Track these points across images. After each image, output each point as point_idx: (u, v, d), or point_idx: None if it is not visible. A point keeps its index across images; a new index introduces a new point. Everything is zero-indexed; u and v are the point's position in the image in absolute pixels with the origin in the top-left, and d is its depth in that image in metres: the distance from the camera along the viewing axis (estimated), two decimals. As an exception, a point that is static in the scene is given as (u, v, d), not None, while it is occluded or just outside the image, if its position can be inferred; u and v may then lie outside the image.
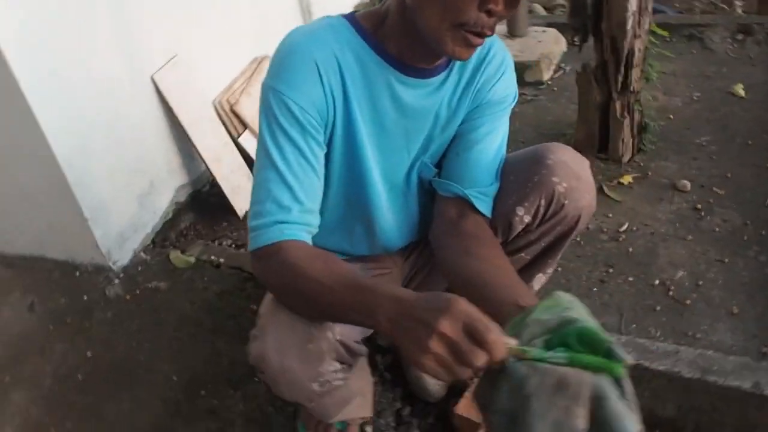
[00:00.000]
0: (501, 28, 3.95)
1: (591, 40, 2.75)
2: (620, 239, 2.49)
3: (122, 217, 2.54)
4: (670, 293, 2.22)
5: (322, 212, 1.38)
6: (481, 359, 0.95)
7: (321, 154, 1.34)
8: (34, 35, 2.11)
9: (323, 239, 1.41)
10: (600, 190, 2.69)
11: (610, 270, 2.35)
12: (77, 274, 2.51)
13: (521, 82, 3.54)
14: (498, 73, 1.45)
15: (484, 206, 1.47)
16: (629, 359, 0.98)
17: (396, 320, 1.04)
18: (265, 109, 1.30)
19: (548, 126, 3.31)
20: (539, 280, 1.68)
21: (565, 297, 1.08)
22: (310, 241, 1.30)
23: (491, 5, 1.17)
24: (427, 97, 1.42)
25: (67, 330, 2.33)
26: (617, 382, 0.97)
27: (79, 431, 1.99)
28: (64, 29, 2.21)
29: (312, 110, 1.30)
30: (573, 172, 1.46)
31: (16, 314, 2.43)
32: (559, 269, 2.28)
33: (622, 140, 2.86)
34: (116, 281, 2.47)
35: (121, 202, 2.53)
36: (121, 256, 2.54)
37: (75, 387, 2.12)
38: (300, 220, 1.28)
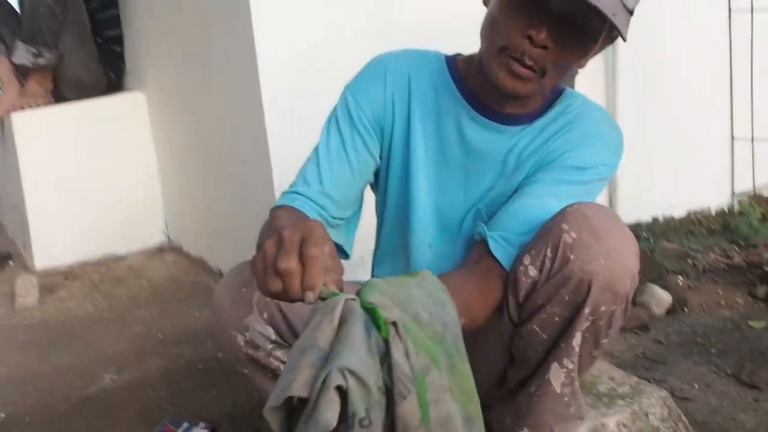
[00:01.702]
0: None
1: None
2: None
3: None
4: None
5: (379, 238, 1.46)
6: (292, 263, 0.90)
7: (364, 152, 1.39)
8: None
9: (381, 268, 1.48)
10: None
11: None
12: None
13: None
14: (583, 141, 1.36)
15: (501, 251, 1.30)
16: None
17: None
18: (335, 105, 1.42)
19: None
20: (556, 373, 1.34)
21: (428, 276, 1.05)
22: (316, 218, 1.32)
23: (532, 31, 1.20)
24: (497, 142, 1.39)
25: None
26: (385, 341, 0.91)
27: None
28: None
29: (366, 108, 1.38)
30: (590, 225, 1.22)
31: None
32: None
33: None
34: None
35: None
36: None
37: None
38: (314, 198, 1.33)
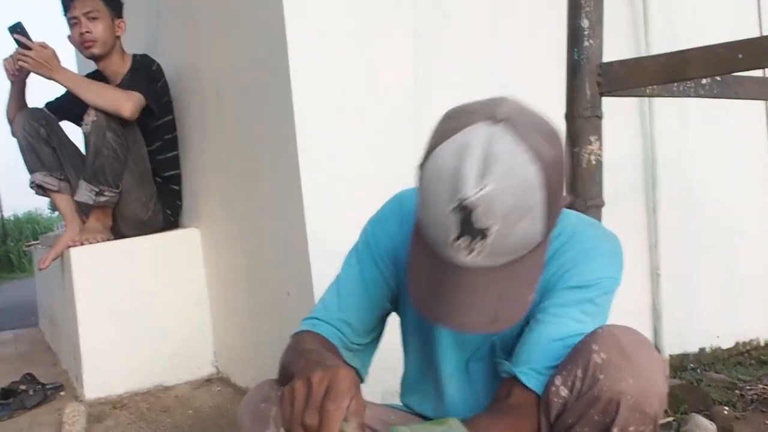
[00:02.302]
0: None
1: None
2: None
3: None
4: None
5: (406, 364, 1.51)
6: (311, 418, 1.00)
7: (381, 282, 1.44)
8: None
9: (409, 395, 1.51)
10: None
11: None
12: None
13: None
14: (582, 259, 1.35)
15: (533, 381, 1.31)
16: None
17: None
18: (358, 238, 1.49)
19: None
20: None
21: (454, 425, 1.06)
22: (336, 343, 1.38)
23: None
24: None
25: None
26: None
27: None
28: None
29: (384, 244, 1.43)
30: (619, 346, 1.24)
31: None
32: None
33: None
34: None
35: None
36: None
37: None
38: (334, 323, 1.40)
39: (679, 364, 3.06)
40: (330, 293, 1.45)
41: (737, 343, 3.26)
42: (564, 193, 1.16)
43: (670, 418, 2.46)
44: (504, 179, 1.05)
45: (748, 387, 2.77)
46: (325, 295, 1.46)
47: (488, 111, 1.10)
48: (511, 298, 1.16)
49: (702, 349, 3.19)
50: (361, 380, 1.46)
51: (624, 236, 1.44)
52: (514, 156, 1.06)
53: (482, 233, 1.08)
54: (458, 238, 1.09)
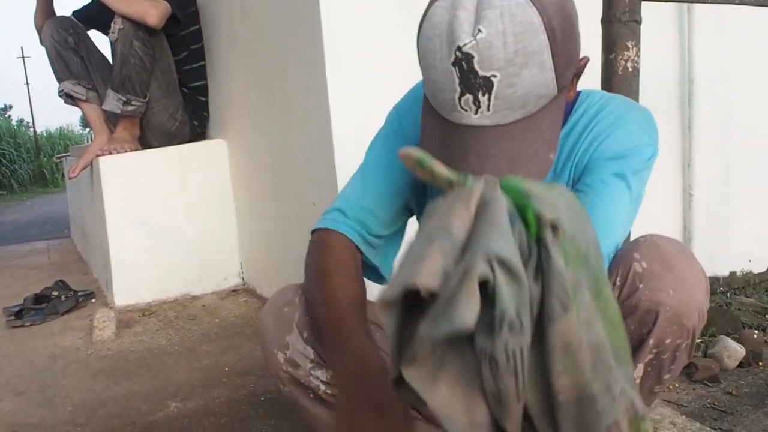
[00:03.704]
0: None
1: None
2: None
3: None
4: None
5: None
6: None
7: (406, 170, 1.35)
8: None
9: None
10: None
11: None
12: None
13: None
14: (612, 128, 1.24)
15: None
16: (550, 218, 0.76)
17: (348, 392, 1.08)
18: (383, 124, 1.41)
19: None
20: None
21: (566, 190, 0.88)
22: (357, 241, 1.31)
23: None
24: None
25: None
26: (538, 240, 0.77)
27: None
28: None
29: (409, 129, 1.32)
30: (662, 256, 1.20)
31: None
32: None
33: None
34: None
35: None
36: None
37: None
38: (356, 215, 1.31)
39: (709, 287, 3.02)
40: (354, 180, 1.37)
41: (769, 268, 3.21)
42: (575, 46, 1.08)
43: (698, 340, 2.44)
44: (499, 22, 0.98)
45: (778, 311, 2.73)
46: (350, 181, 1.38)
47: None
48: (527, 158, 1.07)
49: (733, 273, 3.14)
50: (382, 280, 1.42)
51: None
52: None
53: (485, 86, 1.01)
54: (462, 94, 1.03)
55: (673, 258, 1.20)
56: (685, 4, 2.80)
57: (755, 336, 2.50)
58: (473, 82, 1.01)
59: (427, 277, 0.70)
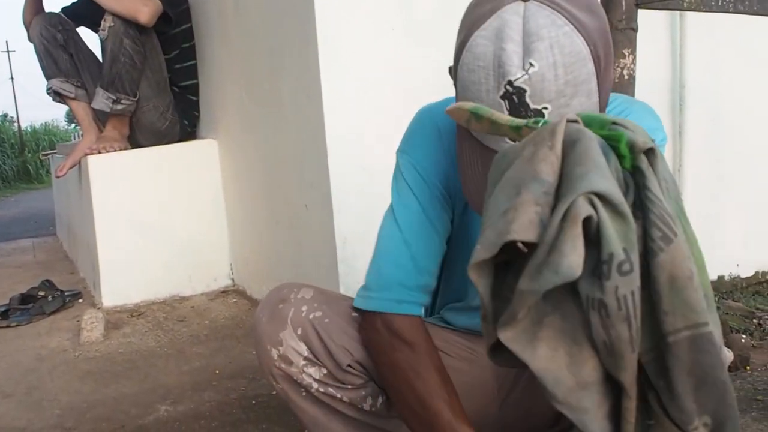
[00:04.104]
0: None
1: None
2: None
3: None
4: None
5: (450, 281, 1.39)
6: None
7: (445, 216, 1.29)
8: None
9: (453, 315, 1.42)
10: None
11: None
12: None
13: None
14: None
15: None
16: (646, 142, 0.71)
17: None
18: (395, 171, 1.32)
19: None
20: None
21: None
22: (422, 314, 1.28)
23: None
24: None
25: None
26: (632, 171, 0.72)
27: None
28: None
29: (434, 171, 1.27)
30: None
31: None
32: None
33: None
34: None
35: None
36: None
37: None
38: (414, 283, 1.24)
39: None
40: (394, 245, 1.26)
41: (757, 272, 3.23)
42: (613, 68, 1.08)
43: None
44: (549, 54, 0.96)
45: (766, 316, 2.75)
46: (386, 247, 1.27)
47: None
48: None
49: (721, 277, 3.16)
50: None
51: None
52: (555, 29, 0.97)
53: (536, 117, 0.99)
54: None
55: None
56: (677, 12, 2.81)
57: (743, 340, 2.52)
58: (524, 115, 0.98)
59: (524, 229, 0.65)
